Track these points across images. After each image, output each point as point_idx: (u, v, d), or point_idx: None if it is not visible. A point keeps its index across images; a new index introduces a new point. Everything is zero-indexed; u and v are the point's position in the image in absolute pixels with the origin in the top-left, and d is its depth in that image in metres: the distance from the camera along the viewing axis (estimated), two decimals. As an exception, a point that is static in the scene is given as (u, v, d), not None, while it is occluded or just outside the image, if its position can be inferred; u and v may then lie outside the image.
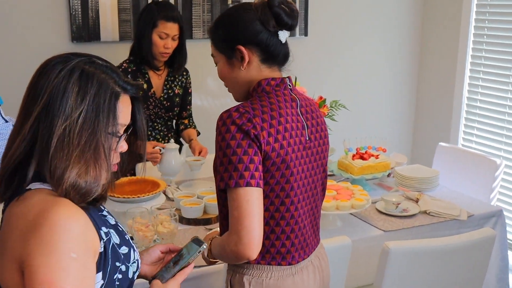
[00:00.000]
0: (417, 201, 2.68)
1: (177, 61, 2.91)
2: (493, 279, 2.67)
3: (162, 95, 2.92)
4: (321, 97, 2.78)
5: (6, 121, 1.83)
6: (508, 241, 2.93)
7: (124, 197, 2.31)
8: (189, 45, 3.44)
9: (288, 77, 1.64)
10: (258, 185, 1.47)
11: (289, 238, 1.59)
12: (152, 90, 2.87)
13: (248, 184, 1.45)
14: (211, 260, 1.62)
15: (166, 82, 2.94)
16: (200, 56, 3.53)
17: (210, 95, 3.68)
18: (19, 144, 1.14)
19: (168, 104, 2.94)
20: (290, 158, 1.54)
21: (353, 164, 2.78)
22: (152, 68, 2.87)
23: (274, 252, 1.59)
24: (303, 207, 1.61)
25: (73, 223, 1.09)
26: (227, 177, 1.46)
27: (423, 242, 2.08)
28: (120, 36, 3.29)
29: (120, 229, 1.29)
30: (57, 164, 1.12)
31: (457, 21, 3.95)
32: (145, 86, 2.85)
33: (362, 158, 2.83)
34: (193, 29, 3.48)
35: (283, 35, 1.57)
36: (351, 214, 2.51)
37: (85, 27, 3.20)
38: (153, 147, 2.70)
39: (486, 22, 3.79)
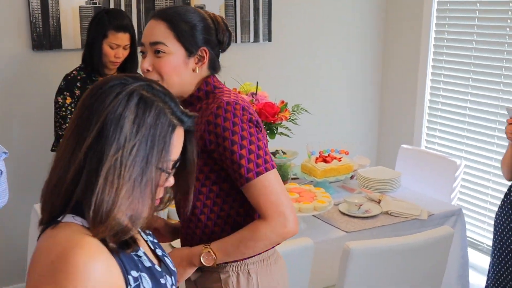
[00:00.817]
0: (379, 202, 2.73)
1: (128, 69, 2.89)
2: (454, 276, 2.73)
3: None
4: (282, 101, 2.81)
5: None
6: (468, 239, 3.00)
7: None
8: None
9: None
10: (273, 167, 1.53)
11: None
12: None
13: (273, 166, 1.52)
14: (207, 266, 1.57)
15: None
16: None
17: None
18: (74, 174, 1.06)
19: None
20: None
21: (316, 167, 2.82)
22: (102, 76, 2.84)
23: None
24: None
25: (92, 269, 1.00)
26: (254, 167, 1.48)
27: (383, 242, 2.12)
28: (82, 43, 3.26)
29: (158, 270, 1.17)
30: (104, 199, 1.03)
31: (418, 26, 4.03)
32: None
33: (325, 161, 2.87)
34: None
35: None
36: (314, 216, 2.54)
37: (46, 35, 3.17)
38: None
39: (446, 26, 3.87)
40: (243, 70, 3.34)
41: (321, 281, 2.41)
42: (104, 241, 1.05)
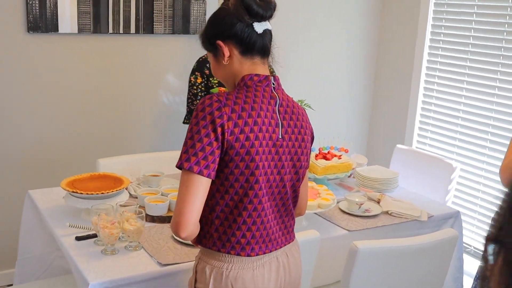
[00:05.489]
0: (378, 202, 2.72)
1: None
2: (449, 278, 2.74)
3: None
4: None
5: None
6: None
7: (87, 194, 2.23)
8: (149, 40, 3.38)
9: (274, 76, 1.69)
10: (200, 173, 1.51)
11: (250, 229, 1.61)
12: None
13: (190, 169, 1.51)
14: None
15: None
16: (160, 52, 3.47)
17: (170, 91, 3.62)
18: None
19: None
20: (256, 151, 1.57)
21: (317, 164, 2.79)
22: None
23: (234, 242, 1.61)
24: (267, 202, 1.63)
25: None
26: (182, 157, 1.53)
27: (390, 242, 2.11)
28: (79, 28, 3.18)
29: None
30: None
31: (415, 24, 4.04)
32: None
33: (325, 158, 2.85)
34: (154, 24, 3.40)
35: (259, 27, 1.65)
36: (315, 213, 2.52)
37: (42, 17, 3.08)
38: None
39: (443, 28, 3.89)
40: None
41: (323, 279, 2.40)
42: None
